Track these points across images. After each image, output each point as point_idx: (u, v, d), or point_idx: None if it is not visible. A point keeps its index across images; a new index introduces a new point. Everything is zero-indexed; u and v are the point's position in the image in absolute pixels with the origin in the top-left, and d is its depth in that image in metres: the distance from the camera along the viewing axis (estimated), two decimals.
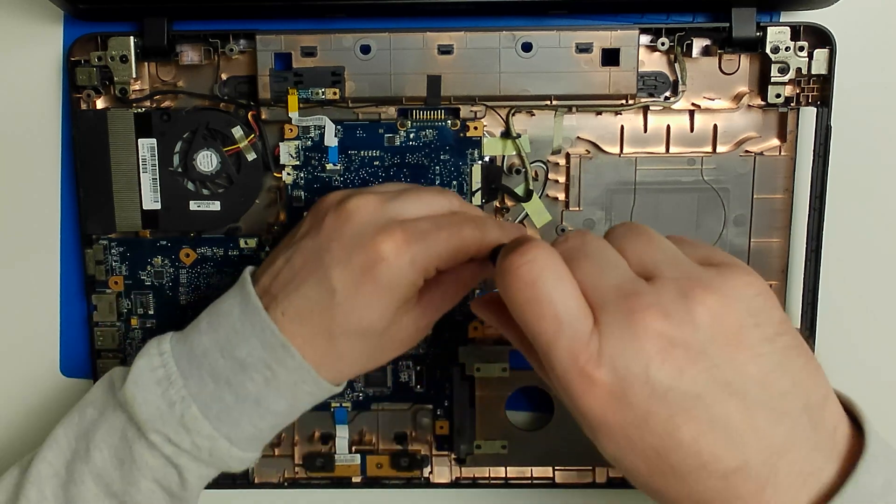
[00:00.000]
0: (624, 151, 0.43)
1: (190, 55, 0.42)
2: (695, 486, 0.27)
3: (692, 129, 0.43)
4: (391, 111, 0.42)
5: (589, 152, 0.43)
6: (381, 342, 0.35)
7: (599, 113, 0.42)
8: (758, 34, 0.40)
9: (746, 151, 0.42)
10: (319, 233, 0.34)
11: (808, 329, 0.42)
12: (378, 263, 0.33)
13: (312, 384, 0.35)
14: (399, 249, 0.33)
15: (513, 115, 0.42)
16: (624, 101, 0.42)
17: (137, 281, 0.44)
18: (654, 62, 0.42)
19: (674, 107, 0.42)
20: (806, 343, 0.28)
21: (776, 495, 0.26)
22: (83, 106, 0.42)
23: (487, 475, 0.46)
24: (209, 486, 0.46)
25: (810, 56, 0.40)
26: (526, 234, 0.36)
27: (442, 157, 0.43)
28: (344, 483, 0.46)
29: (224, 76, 0.42)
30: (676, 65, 0.42)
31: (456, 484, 0.46)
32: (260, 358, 0.34)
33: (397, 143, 0.43)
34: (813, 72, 0.41)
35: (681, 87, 0.42)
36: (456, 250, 0.34)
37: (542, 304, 0.27)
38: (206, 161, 0.42)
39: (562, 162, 0.43)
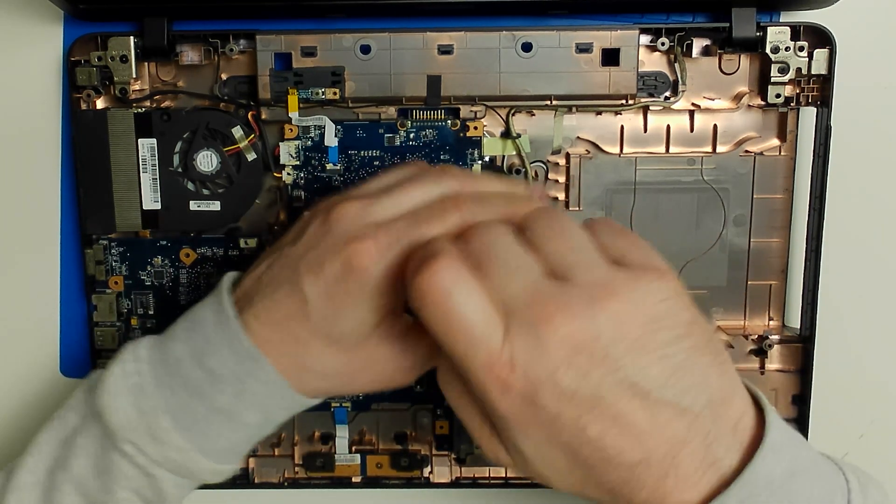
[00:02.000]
0: (624, 151, 0.43)
1: (190, 55, 0.42)
2: (604, 477, 0.28)
3: (692, 129, 0.43)
4: (391, 111, 0.42)
5: (589, 152, 0.43)
6: (354, 361, 0.34)
7: (599, 113, 0.42)
8: (758, 34, 0.40)
9: (746, 151, 0.42)
10: (301, 240, 0.33)
11: (808, 329, 0.42)
12: (349, 273, 0.31)
13: (285, 398, 0.34)
14: (370, 258, 0.31)
15: (513, 115, 0.42)
16: (624, 101, 0.42)
17: (137, 281, 0.44)
18: (654, 62, 0.42)
19: (674, 107, 0.42)
20: (715, 339, 0.30)
21: (678, 483, 0.28)
22: (83, 106, 0.42)
23: (487, 475, 0.46)
24: (209, 486, 0.46)
25: (810, 56, 0.40)
26: (536, 199, 0.34)
27: (442, 157, 0.43)
28: (344, 483, 0.46)
29: (224, 76, 0.42)
30: (676, 65, 0.42)
31: (456, 484, 0.46)
32: (231, 369, 0.33)
33: (397, 143, 0.43)
34: (813, 72, 0.41)
35: (681, 87, 0.42)
36: None
37: (453, 323, 0.28)
38: (206, 161, 0.42)
39: (562, 162, 0.43)
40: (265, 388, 0.33)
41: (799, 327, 0.43)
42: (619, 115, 0.42)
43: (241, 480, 0.45)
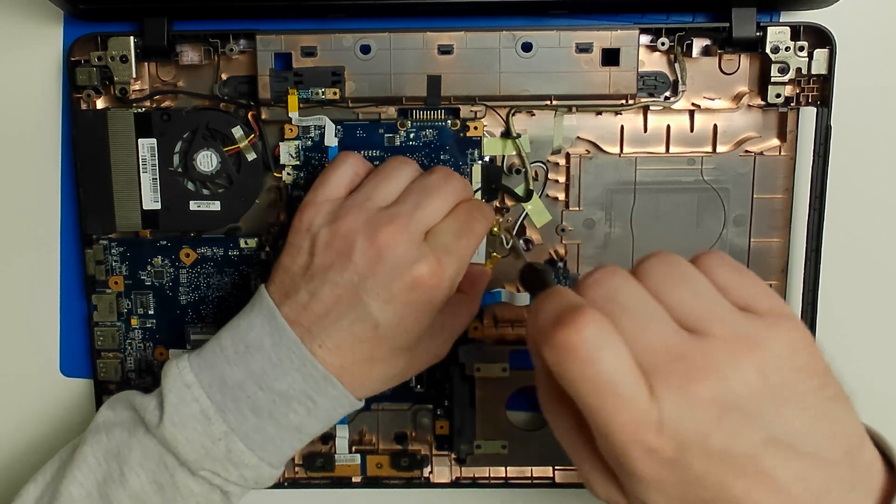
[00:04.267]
0: (624, 151, 0.43)
1: (190, 55, 0.42)
2: None
3: (692, 129, 0.43)
4: (391, 111, 0.42)
5: (589, 152, 0.43)
6: (414, 358, 0.38)
7: (599, 113, 0.42)
8: (758, 34, 0.40)
9: (746, 151, 0.42)
10: (348, 267, 0.35)
11: (808, 328, 0.42)
12: (418, 291, 0.35)
13: (346, 406, 0.37)
14: (435, 273, 0.35)
15: (513, 115, 0.42)
16: (624, 101, 0.42)
17: (137, 281, 0.44)
18: (654, 62, 0.42)
19: (674, 107, 0.42)
20: (841, 384, 0.29)
21: None
22: (83, 106, 0.42)
23: (487, 475, 0.46)
24: None
25: (810, 56, 0.40)
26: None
27: (442, 157, 0.43)
28: (344, 483, 0.46)
29: (224, 76, 0.42)
30: (676, 65, 0.42)
31: (456, 484, 0.46)
32: (301, 390, 0.36)
33: (397, 143, 0.43)
34: (813, 72, 0.41)
35: (681, 87, 0.42)
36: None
37: (602, 381, 0.26)
38: (206, 161, 0.42)
39: (562, 162, 0.43)
40: (334, 402, 0.36)
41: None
42: (619, 115, 0.42)
43: None
